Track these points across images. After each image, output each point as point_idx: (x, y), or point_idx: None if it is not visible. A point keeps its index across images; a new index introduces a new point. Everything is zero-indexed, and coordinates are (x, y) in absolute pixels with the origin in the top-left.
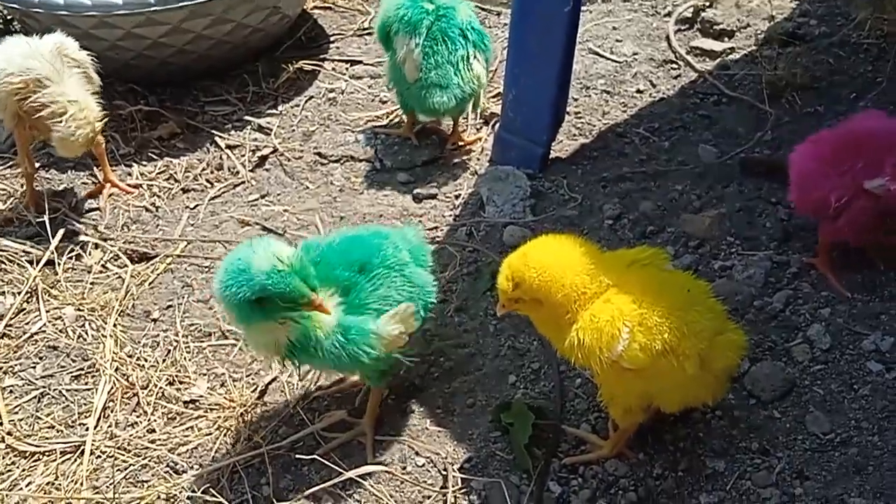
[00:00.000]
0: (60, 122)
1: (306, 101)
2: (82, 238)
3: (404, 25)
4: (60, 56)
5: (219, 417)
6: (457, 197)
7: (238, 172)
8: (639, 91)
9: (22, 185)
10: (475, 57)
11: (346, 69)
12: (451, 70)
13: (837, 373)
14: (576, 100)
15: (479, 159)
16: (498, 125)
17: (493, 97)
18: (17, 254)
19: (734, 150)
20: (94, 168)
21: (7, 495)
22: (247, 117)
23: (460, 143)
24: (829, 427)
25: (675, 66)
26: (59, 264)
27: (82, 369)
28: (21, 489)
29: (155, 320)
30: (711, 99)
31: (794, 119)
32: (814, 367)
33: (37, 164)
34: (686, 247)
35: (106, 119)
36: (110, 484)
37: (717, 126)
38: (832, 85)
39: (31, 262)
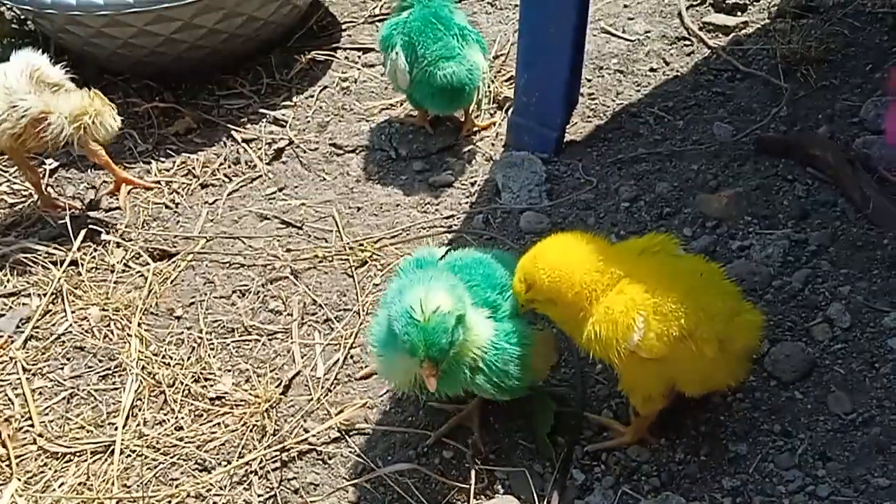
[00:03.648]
0: (52, 128)
1: (320, 92)
2: (104, 237)
3: (382, 43)
4: (33, 80)
5: (244, 413)
6: (472, 184)
7: (255, 166)
8: (652, 70)
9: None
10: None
11: (359, 57)
12: (453, 41)
13: (858, 351)
14: (589, 80)
15: (493, 145)
16: (511, 110)
17: (506, 81)
18: (40, 255)
19: (749, 128)
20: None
21: (41, 497)
22: (262, 110)
23: (474, 129)
24: (851, 407)
25: (687, 42)
26: (82, 264)
27: (109, 369)
28: (54, 490)
29: (178, 318)
30: (725, 75)
31: (809, 93)
32: (834, 347)
33: (56, 164)
34: (703, 227)
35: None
36: (140, 483)
37: (731, 103)
38: (847, 57)
39: (54, 264)
